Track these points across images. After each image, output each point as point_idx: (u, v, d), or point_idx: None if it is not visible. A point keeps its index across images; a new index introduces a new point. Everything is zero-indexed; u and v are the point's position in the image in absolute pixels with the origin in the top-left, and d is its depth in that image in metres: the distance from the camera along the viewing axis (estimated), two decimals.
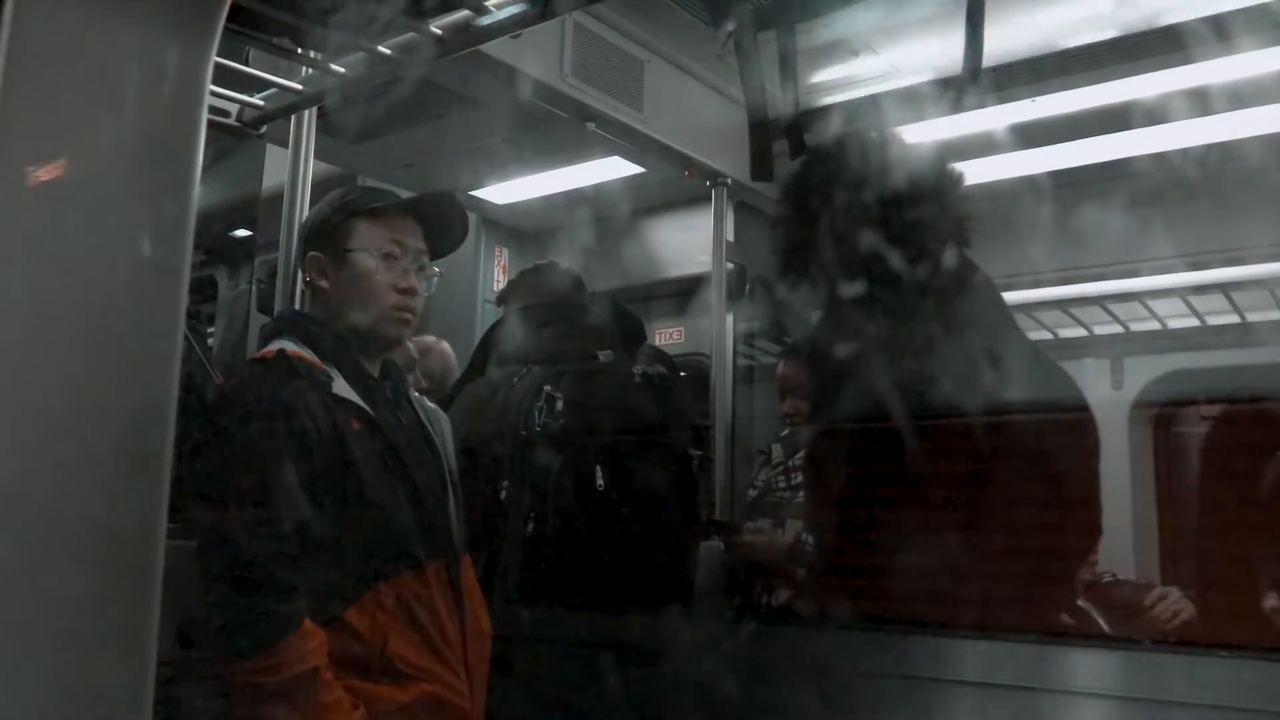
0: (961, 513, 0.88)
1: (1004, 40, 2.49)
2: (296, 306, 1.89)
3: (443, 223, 1.75)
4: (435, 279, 1.76)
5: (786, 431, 2.58)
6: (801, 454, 2.46)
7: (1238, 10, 2.09)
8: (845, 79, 2.73)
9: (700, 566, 2.33)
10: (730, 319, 3.14)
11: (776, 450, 2.59)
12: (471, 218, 3.76)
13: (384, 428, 1.57)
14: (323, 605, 1.43)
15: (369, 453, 1.53)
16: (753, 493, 2.62)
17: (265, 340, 1.62)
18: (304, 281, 1.74)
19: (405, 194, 1.91)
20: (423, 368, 2.72)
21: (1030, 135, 2.69)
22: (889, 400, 0.85)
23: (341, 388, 1.55)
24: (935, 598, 0.86)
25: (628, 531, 1.96)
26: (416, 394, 1.84)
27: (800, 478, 2.44)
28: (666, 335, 3.65)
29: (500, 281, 3.77)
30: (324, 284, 1.67)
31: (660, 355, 2.27)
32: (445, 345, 2.83)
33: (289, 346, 1.56)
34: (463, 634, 1.62)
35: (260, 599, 1.36)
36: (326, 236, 1.67)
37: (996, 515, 0.88)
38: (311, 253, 1.69)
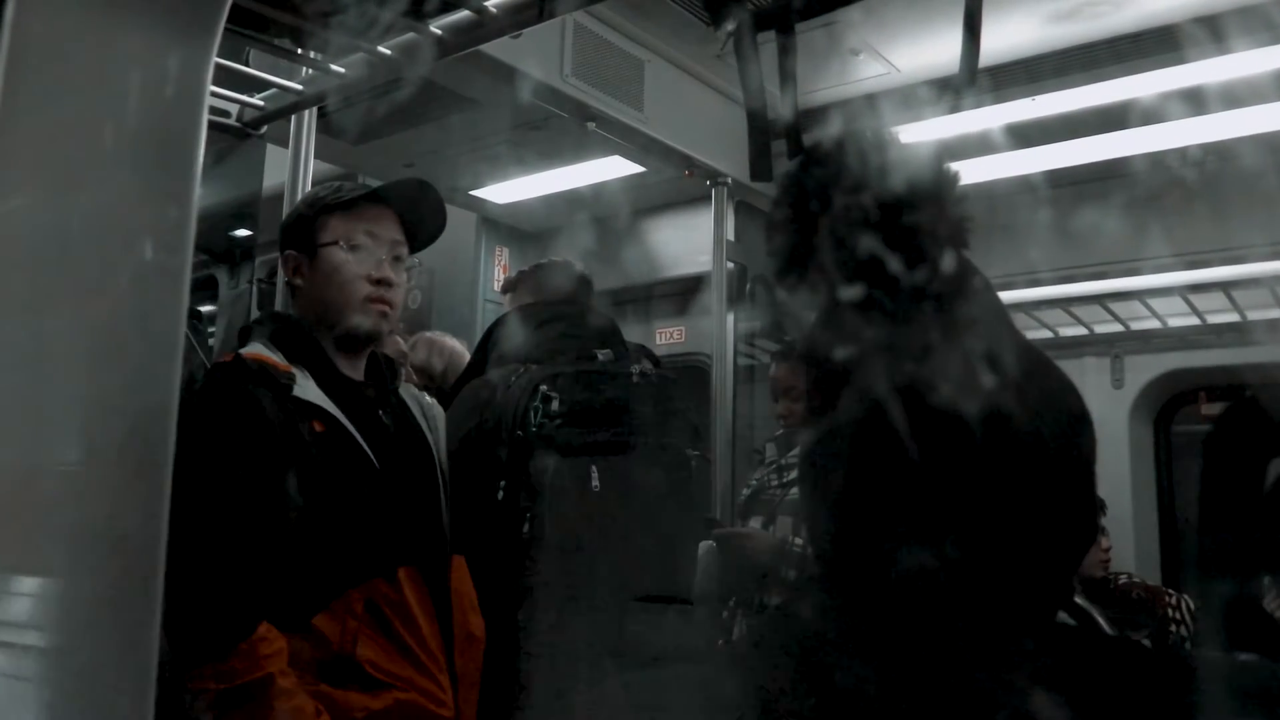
0: (956, 514, 0.88)
1: (1003, 39, 2.50)
2: (278, 307, 1.89)
3: (418, 211, 1.72)
4: (416, 269, 1.73)
5: (780, 431, 2.59)
6: (794, 453, 2.46)
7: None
8: (844, 79, 2.74)
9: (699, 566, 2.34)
10: (731, 319, 3.14)
11: (770, 449, 2.60)
12: (472, 217, 3.79)
13: (352, 429, 1.53)
14: (289, 610, 1.41)
15: (333, 455, 1.49)
16: (746, 491, 2.63)
17: (240, 342, 1.60)
18: (284, 281, 1.73)
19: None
20: (421, 363, 2.69)
21: (1030, 135, 2.70)
22: (884, 402, 0.85)
23: (307, 389, 1.52)
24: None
25: (624, 531, 1.96)
26: (415, 390, 1.81)
27: (792, 476, 2.45)
28: (667, 335, 3.66)
29: (500, 281, 3.77)
30: (299, 282, 1.65)
31: (645, 352, 2.27)
32: (450, 341, 2.79)
33: (255, 349, 1.54)
34: (449, 639, 1.58)
35: (212, 605, 1.34)
36: (300, 234, 1.65)
37: (991, 516, 0.88)
38: (288, 251, 1.67)
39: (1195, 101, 2.37)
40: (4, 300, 0.79)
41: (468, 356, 2.65)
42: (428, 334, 2.83)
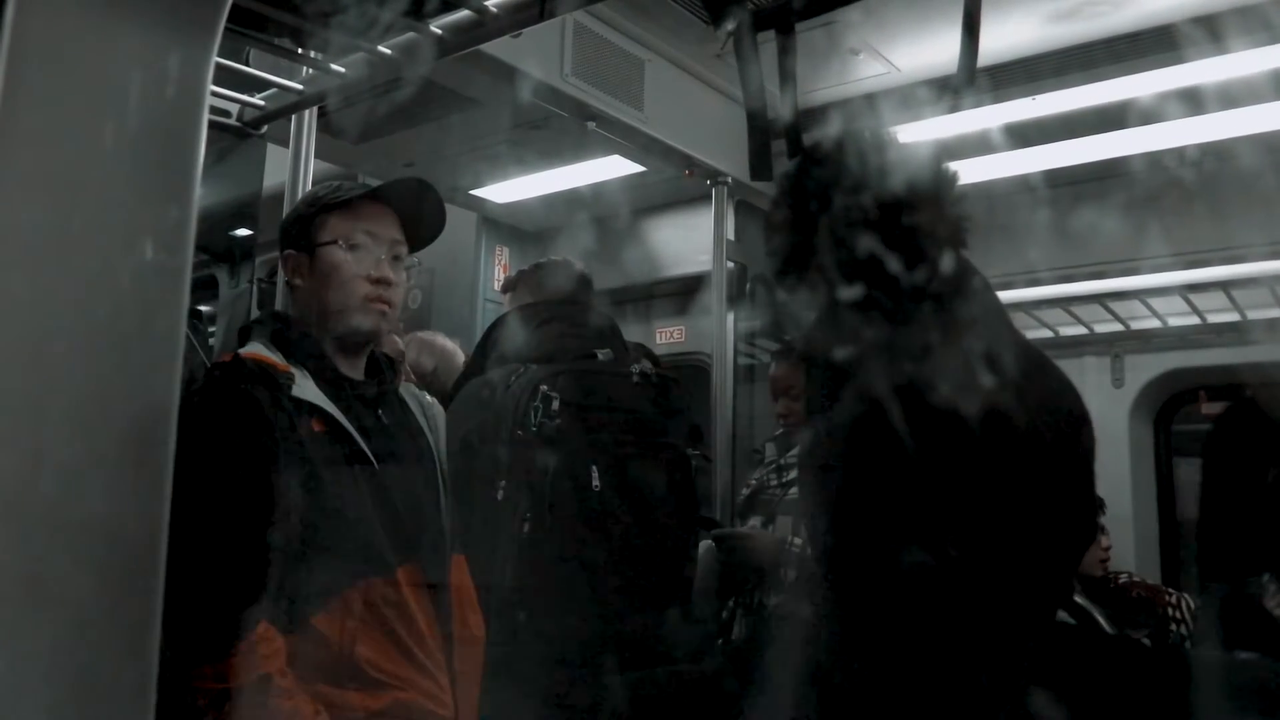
0: (956, 514, 0.88)
1: (1003, 39, 2.50)
2: (278, 307, 1.89)
3: (417, 210, 1.71)
4: (415, 268, 1.74)
5: (780, 431, 2.59)
6: (794, 452, 2.47)
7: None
8: (844, 79, 2.74)
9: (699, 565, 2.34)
10: (731, 318, 3.15)
11: (769, 449, 2.60)
12: (472, 217, 3.79)
13: (351, 428, 1.53)
14: (289, 610, 1.41)
15: (332, 455, 1.49)
16: (746, 491, 2.63)
17: (240, 342, 1.60)
18: (284, 281, 1.73)
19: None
20: (411, 362, 2.69)
21: (1029, 135, 2.70)
22: (883, 402, 0.86)
23: (306, 389, 1.51)
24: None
25: (624, 531, 1.96)
26: (415, 389, 1.81)
27: (792, 475, 2.45)
28: (667, 335, 3.66)
29: (500, 281, 3.77)
30: (299, 281, 1.65)
31: (645, 352, 2.27)
32: (442, 340, 2.79)
33: (254, 349, 1.54)
34: (448, 639, 1.58)
35: (212, 605, 1.33)
36: (300, 233, 1.65)
37: (991, 516, 0.88)
38: (288, 251, 1.67)
39: (1194, 101, 2.37)
40: (4, 300, 0.79)
41: (460, 355, 2.66)
42: (420, 334, 2.83)
